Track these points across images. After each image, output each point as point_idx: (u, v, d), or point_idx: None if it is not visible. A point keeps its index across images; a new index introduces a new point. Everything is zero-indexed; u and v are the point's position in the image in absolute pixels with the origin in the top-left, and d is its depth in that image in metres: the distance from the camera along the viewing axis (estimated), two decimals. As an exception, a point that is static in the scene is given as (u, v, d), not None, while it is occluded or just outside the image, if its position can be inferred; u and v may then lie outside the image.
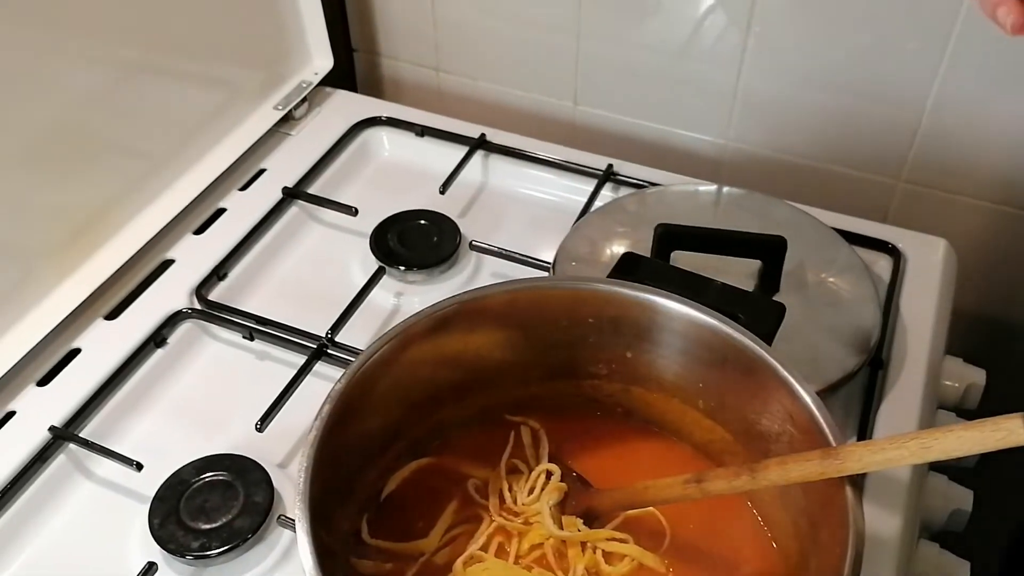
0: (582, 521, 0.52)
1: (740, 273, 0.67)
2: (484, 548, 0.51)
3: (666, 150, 0.91)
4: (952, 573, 0.61)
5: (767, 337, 0.51)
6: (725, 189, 0.77)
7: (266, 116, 0.85)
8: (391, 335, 0.49)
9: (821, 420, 0.46)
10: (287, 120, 0.86)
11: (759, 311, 0.53)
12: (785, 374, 0.47)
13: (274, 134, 0.85)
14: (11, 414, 0.63)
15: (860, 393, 0.65)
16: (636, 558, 0.50)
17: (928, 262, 0.74)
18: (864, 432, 0.62)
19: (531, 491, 0.53)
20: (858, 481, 0.43)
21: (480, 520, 0.52)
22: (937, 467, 0.66)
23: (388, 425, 0.53)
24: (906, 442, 0.40)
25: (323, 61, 0.90)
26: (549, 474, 0.54)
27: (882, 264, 0.74)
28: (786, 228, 0.69)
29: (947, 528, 0.64)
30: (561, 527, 0.52)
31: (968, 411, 0.71)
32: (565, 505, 0.53)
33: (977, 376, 0.73)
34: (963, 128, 0.79)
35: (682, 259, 0.66)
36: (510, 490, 0.53)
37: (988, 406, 0.62)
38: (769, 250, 0.66)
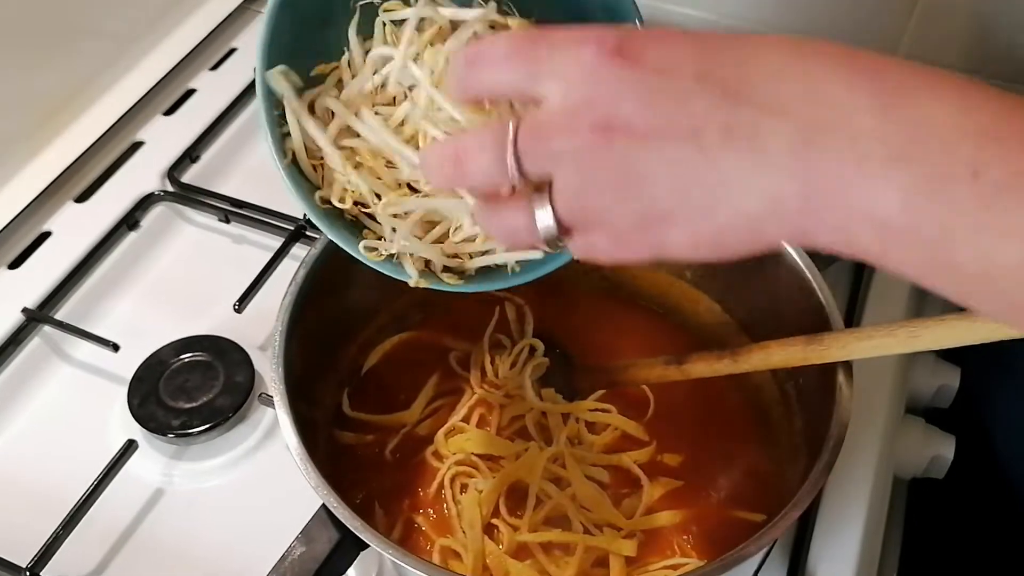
0: (561, 397, 0.52)
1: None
2: (466, 420, 0.51)
3: (656, 27, 0.87)
4: (937, 448, 0.61)
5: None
6: (717, 65, 0.74)
7: (235, -8, 0.80)
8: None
9: (815, 286, 0.45)
10: (257, -4, 0.82)
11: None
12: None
13: (244, 11, 0.81)
14: (-18, 297, 0.62)
15: (850, 271, 0.64)
16: (619, 427, 0.50)
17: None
18: (851, 318, 0.61)
19: (513, 365, 0.53)
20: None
21: (462, 393, 0.52)
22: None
23: (368, 298, 0.52)
24: (895, 330, 0.40)
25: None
26: (533, 349, 0.54)
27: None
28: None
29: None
30: (542, 400, 0.51)
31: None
32: (547, 380, 0.53)
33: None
34: (962, 3, 0.76)
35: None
36: (492, 364, 0.53)
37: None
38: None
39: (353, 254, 0.39)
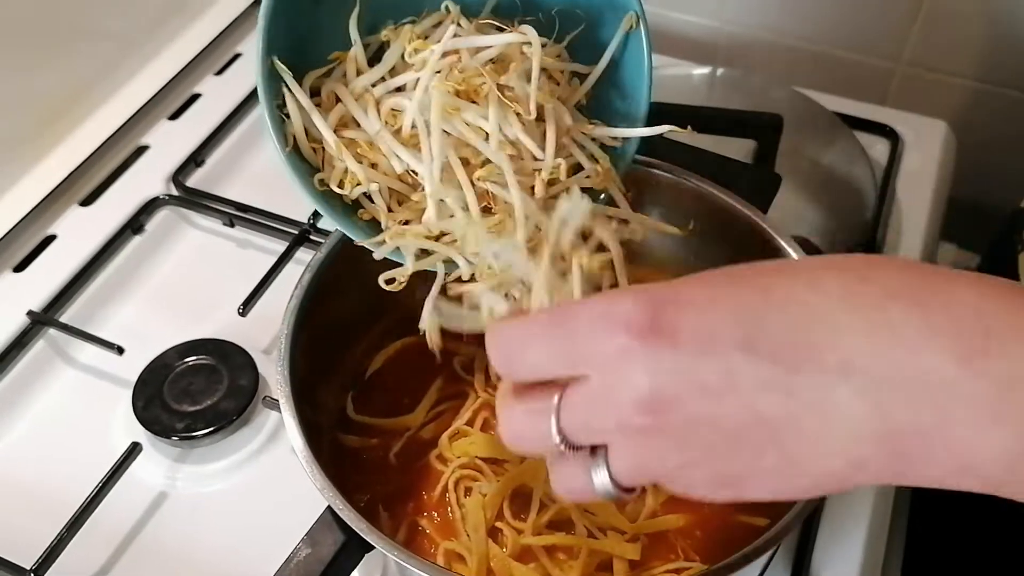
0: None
1: (735, 154, 0.65)
2: (470, 423, 0.51)
3: (658, 34, 0.87)
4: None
5: (762, 206, 0.49)
6: (720, 71, 0.75)
7: (240, -3, 0.81)
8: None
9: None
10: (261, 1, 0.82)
11: (754, 181, 0.51)
12: (782, 243, 0.46)
13: (249, 16, 0.82)
14: (-13, 300, 0.62)
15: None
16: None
17: (926, 145, 0.73)
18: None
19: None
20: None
21: (466, 397, 0.52)
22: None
23: (372, 302, 0.51)
24: None
25: (300, -60, 0.85)
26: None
27: (880, 147, 0.72)
28: (783, 110, 0.67)
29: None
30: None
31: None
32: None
33: (971, 262, 0.72)
34: (965, 8, 0.76)
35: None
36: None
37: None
38: (764, 129, 0.64)
39: (356, 239, 0.40)
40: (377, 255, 0.40)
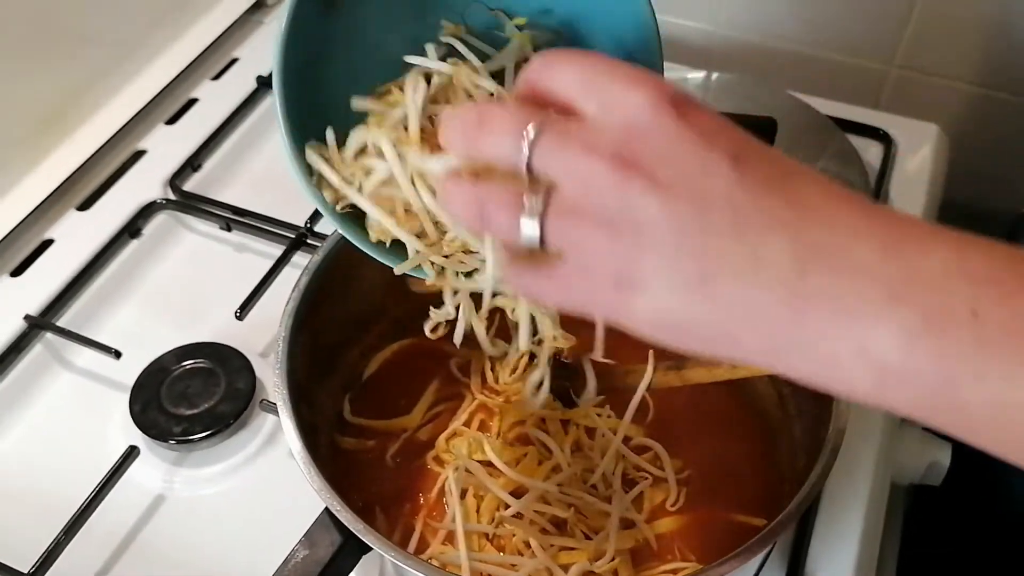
0: (560, 403, 0.52)
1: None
2: (466, 424, 0.51)
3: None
4: (934, 454, 0.61)
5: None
6: (714, 75, 0.75)
7: (237, 2, 0.81)
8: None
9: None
10: (259, 7, 0.83)
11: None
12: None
13: (247, 22, 0.82)
14: (-16, 304, 0.62)
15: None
16: (619, 432, 0.50)
17: (919, 149, 0.73)
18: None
19: (513, 371, 0.53)
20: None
21: (462, 398, 0.52)
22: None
23: (369, 305, 0.52)
24: None
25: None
26: (533, 356, 0.54)
27: (873, 150, 0.73)
28: (777, 114, 0.67)
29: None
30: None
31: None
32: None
33: (964, 264, 0.72)
34: (958, 12, 0.77)
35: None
36: (492, 370, 0.53)
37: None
38: (758, 132, 0.63)
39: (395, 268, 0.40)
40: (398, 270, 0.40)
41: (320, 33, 0.40)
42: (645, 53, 0.41)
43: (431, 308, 0.41)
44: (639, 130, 0.28)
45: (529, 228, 0.29)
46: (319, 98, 0.40)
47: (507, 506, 0.47)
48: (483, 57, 0.41)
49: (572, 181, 0.29)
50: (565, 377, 0.53)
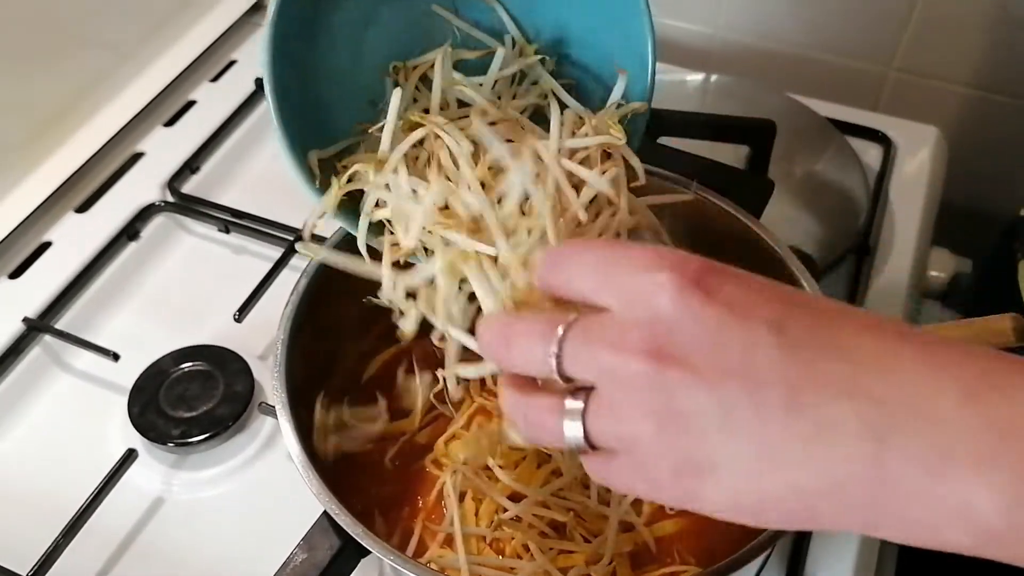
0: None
1: (728, 160, 0.65)
2: (466, 427, 0.51)
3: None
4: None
5: (755, 212, 0.50)
6: (714, 77, 0.75)
7: (235, 5, 0.81)
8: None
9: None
10: (258, 9, 0.83)
11: (747, 186, 0.52)
12: (776, 248, 0.46)
13: (245, 24, 0.82)
14: (-18, 307, 0.62)
15: (846, 281, 0.64)
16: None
17: (918, 151, 0.73)
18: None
19: (513, 374, 0.53)
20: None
21: (461, 401, 0.52)
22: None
23: (368, 307, 0.51)
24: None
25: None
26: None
27: (872, 153, 0.73)
28: (776, 116, 0.67)
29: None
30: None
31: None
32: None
33: (963, 266, 0.72)
34: (957, 14, 0.77)
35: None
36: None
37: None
38: (757, 135, 0.64)
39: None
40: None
41: (309, 27, 0.40)
42: (638, 68, 0.41)
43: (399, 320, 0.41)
44: (667, 322, 0.27)
45: (572, 431, 0.29)
46: (310, 91, 0.40)
47: (506, 509, 0.47)
48: (474, 45, 0.40)
49: (607, 382, 0.28)
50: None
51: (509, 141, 0.38)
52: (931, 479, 0.24)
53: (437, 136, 0.39)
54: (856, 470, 0.25)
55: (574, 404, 0.29)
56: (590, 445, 0.29)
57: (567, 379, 0.29)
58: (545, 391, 0.30)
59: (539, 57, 0.43)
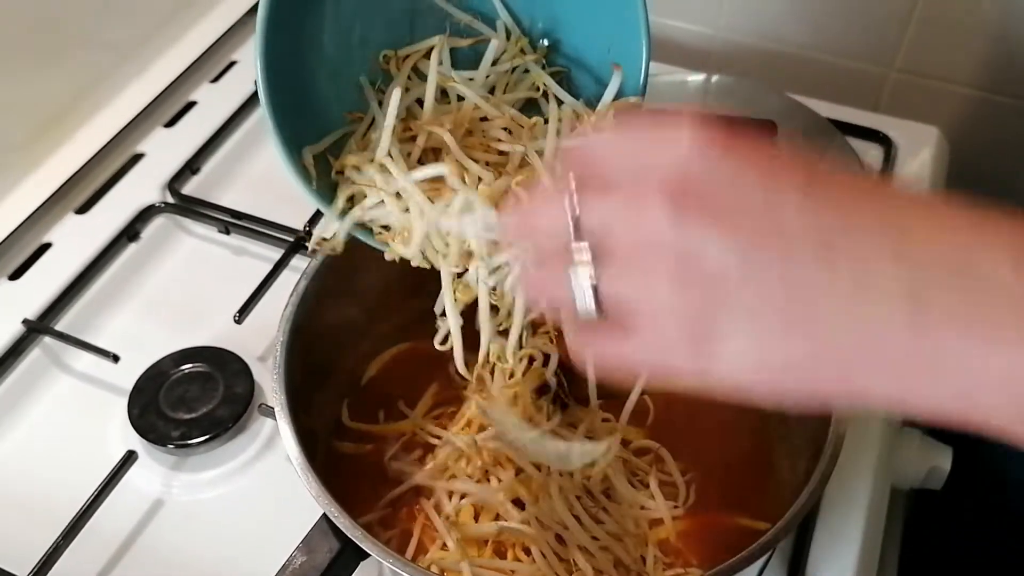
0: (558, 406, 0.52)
1: (728, 161, 0.65)
2: (466, 427, 0.51)
3: (653, 41, 0.88)
4: (935, 459, 0.61)
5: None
6: (714, 78, 0.75)
7: (236, 5, 0.81)
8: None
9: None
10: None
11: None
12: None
13: (245, 25, 0.82)
14: (-18, 309, 0.62)
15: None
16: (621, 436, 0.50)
17: (919, 151, 0.73)
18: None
19: (511, 375, 0.53)
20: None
21: (461, 402, 0.52)
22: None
23: (367, 308, 0.52)
24: None
25: (295, -52, 0.85)
26: (532, 359, 0.54)
27: (873, 153, 0.73)
28: (777, 116, 0.67)
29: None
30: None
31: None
32: (544, 389, 0.53)
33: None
34: (957, 15, 0.77)
35: (669, 145, 0.64)
36: (491, 373, 0.53)
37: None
38: (758, 135, 0.64)
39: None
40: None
41: (300, 22, 0.40)
42: (633, 60, 0.41)
43: (439, 319, 0.41)
44: (689, 172, 0.25)
45: (581, 293, 0.27)
46: (302, 85, 0.40)
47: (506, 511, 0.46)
48: (467, 33, 0.41)
49: (622, 230, 0.26)
50: (563, 379, 0.53)
51: (505, 130, 0.38)
52: (975, 344, 0.23)
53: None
54: (896, 329, 0.23)
55: (585, 262, 0.26)
56: (599, 309, 0.27)
57: (583, 234, 0.26)
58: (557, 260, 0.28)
59: (534, 57, 0.43)
